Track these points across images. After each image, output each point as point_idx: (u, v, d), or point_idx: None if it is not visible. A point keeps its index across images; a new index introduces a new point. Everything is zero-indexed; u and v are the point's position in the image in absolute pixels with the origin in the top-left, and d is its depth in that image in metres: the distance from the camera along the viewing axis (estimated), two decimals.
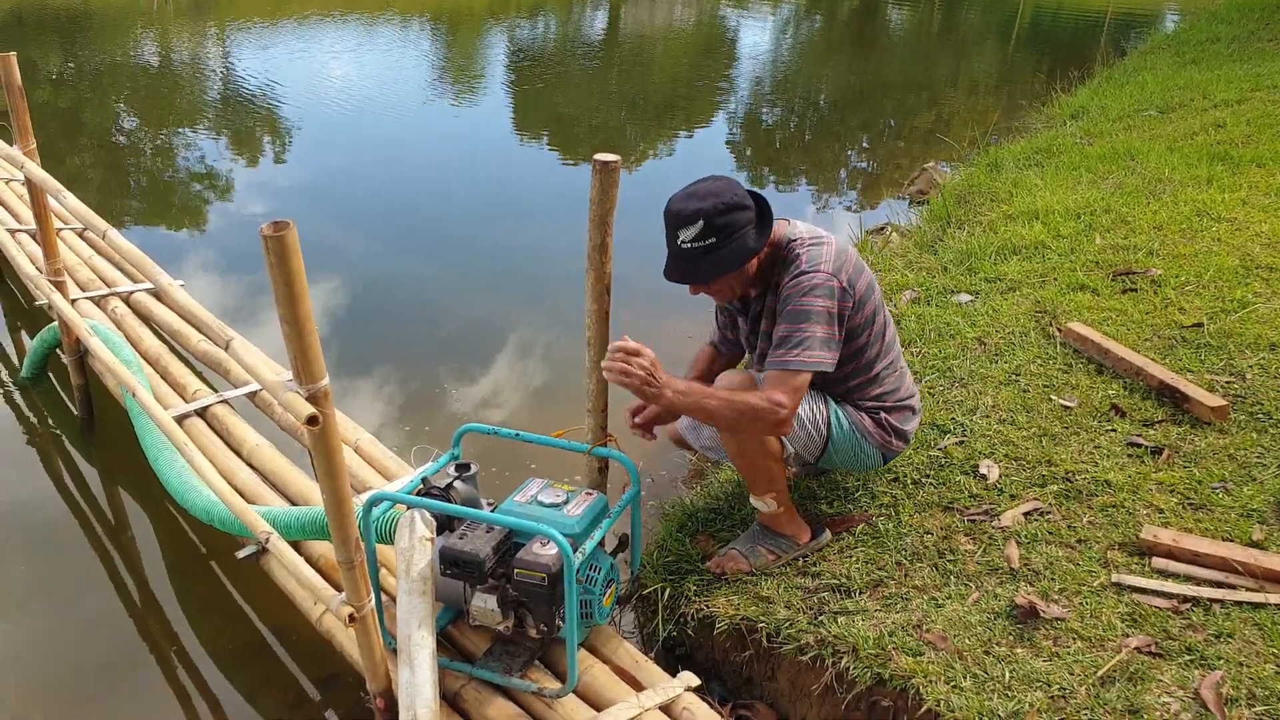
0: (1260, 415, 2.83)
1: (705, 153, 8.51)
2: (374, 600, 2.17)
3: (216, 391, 3.51)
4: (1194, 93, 6.59)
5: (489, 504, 2.46)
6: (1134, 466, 2.70)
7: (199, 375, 3.75)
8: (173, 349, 3.85)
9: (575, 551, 2.17)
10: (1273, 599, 2.16)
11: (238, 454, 3.17)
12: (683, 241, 2.20)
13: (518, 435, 2.55)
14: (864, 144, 9.08)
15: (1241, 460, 2.66)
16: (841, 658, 2.21)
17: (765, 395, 2.16)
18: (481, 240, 6.14)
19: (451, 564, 2.20)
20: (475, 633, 2.42)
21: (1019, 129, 7.27)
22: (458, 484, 2.37)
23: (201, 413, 3.36)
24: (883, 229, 5.40)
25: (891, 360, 2.47)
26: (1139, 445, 2.79)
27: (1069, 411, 3.00)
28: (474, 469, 2.45)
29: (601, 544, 2.40)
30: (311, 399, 1.73)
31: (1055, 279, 3.85)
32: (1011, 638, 2.17)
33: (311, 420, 1.67)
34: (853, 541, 2.60)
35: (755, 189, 2.31)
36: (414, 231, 6.35)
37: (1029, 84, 11.06)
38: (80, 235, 4.78)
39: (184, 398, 3.44)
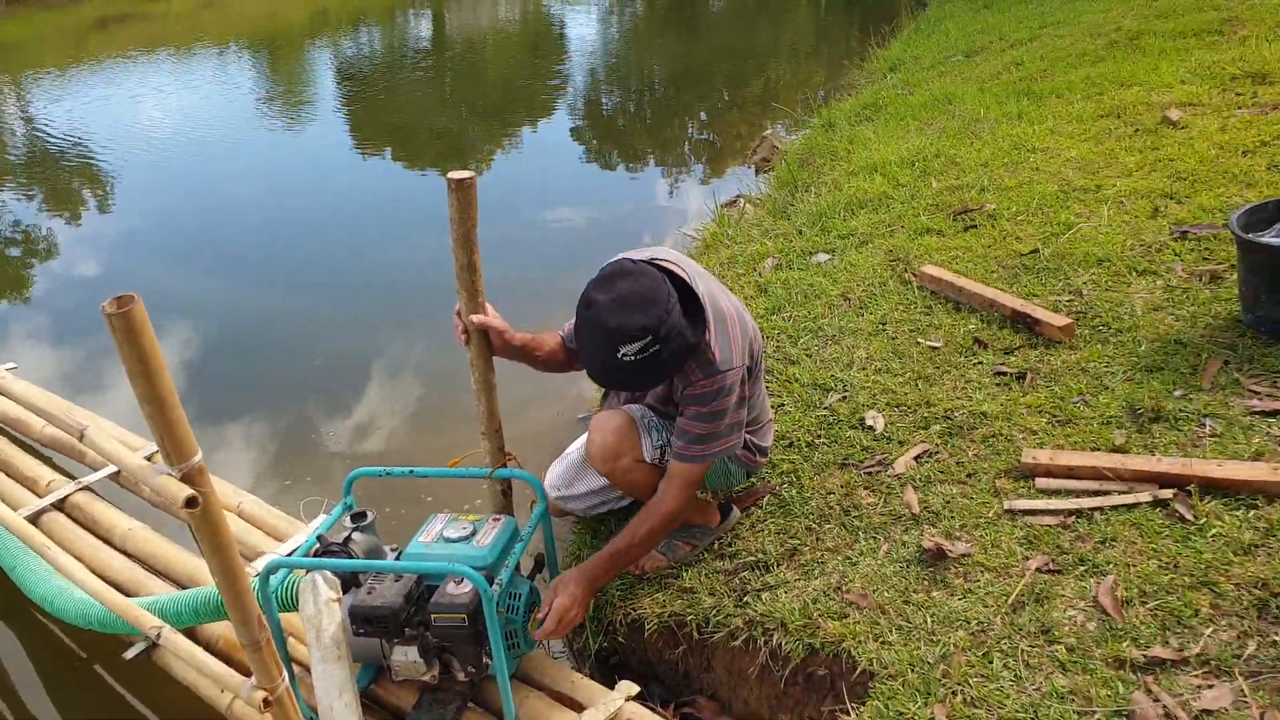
0: (1101, 327, 3.01)
1: (551, 143, 8.44)
2: (286, 675, 2.03)
3: (73, 478, 3.22)
4: (992, 35, 6.96)
5: (393, 550, 2.35)
6: (1004, 395, 2.82)
7: (49, 463, 3.43)
8: (15, 440, 3.51)
9: (492, 584, 2.09)
10: (1142, 498, 2.29)
11: (109, 543, 2.92)
12: (624, 355, 2.02)
13: (411, 472, 2.44)
14: (702, 118, 9.18)
15: (1093, 372, 2.82)
16: (772, 635, 2.23)
17: (675, 494, 2.22)
18: (338, 264, 5.89)
19: (364, 621, 2.09)
20: (400, 687, 2.31)
21: (845, 87, 7.51)
22: (356, 535, 2.25)
23: (60, 504, 3.08)
24: (735, 201, 5.47)
25: (761, 387, 2.48)
26: (1004, 373, 2.91)
27: (937, 351, 3.11)
28: (371, 516, 2.33)
29: (518, 569, 2.33)
30: (186, 478, 1.59)
31: (902, 226, 3.98)
32: (926, 582, 2.23)
33: (190, 502, 1.53)
34: (762, 515, 2.62)
35: (667, 269, 2.11)
36: (263, 266, 6.03)
37: (846, 43, 11.42)
38: None
39: (37, 492, 3.14)
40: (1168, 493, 2.29)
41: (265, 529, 2.95)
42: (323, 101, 10.65)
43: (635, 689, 2.24)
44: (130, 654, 2.52)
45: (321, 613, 2.10)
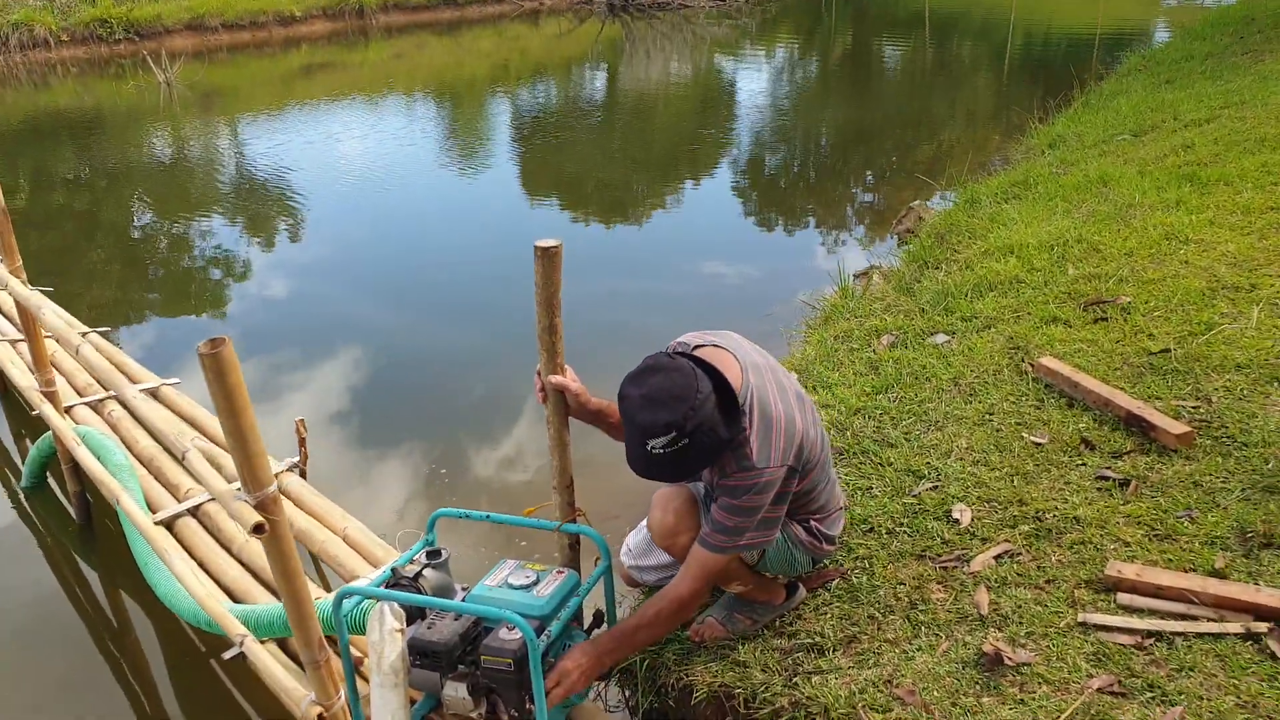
0: (1225, 439, 2.84)
1: (710, 200, 8.75)
2: (350, 694, 2.23)
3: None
4: (1166, 114, 6.65)
5: (464, 588, 2.51)
6: (1102, 500, 2.71)
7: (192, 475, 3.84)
8: (168, 449, 3.97)
9: (541, 634, 2.21)
10: (1230, 628, 2.16)
11: (228, 551, 3.25)
12: (653, 449, 2.10)
13: (488, 517, 2.61)
14: (852, 186, 9.19)
15: (1207, 486, 2.67)
16: (814, 718, 2.23)
17: (691, 580, 2.27)
18: (494, 307, 6.25)
19: (420, 654, 2.25)
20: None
21: (1001, 162, 7.34)
22: (428, 572, 2.42)
23: (194, 511, 3.45)
24: (867, 272, 5.46)
25: (828, 479, 2.49)
26: (1107, 478, 2.80)
27: (1040, 448, 3.02)
28: (445, 555, 2.50)
29: (578, 622, 2.45)
30: (259, 506, 1.81)
31: (1029, 313, 3.88)
32: (978, 687, 2.18)
33: (258, 529, 1.75)
34: (828, 597, 2.62)
35: (708, 364, 2.16)
36: (425, 303, 6.49)
37: (1016, 115, 11.16)
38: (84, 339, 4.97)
39: (177, 497, 3.54)
40: (1262, 626, 2.15)
41: (364, 554, 3.19)
42: (498, 149, 11.35)
43: None
44: (227, 655, 2.79)
45: (385, 641, 2.28)
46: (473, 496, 4.10)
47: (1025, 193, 5.53)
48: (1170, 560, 2.42)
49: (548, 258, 2.24)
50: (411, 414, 4.90)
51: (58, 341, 4.77)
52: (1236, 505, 2.56)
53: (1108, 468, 2.85)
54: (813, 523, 2.48)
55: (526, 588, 2.36)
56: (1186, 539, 2.49)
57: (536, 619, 2.25)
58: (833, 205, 8.60)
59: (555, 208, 8.88)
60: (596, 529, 2.51)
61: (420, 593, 2.36)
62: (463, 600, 2.43)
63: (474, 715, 2.29)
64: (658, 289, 6.30)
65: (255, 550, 3.21)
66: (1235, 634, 2.16)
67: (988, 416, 3.25)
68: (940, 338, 3.92)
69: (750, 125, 12.12)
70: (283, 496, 3.51)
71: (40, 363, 3.58)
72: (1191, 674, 2.08)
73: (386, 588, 2.36)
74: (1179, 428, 2.87)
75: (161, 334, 6.28)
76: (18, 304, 3.45)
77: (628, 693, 2.71)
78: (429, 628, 2.28)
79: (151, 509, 3.42)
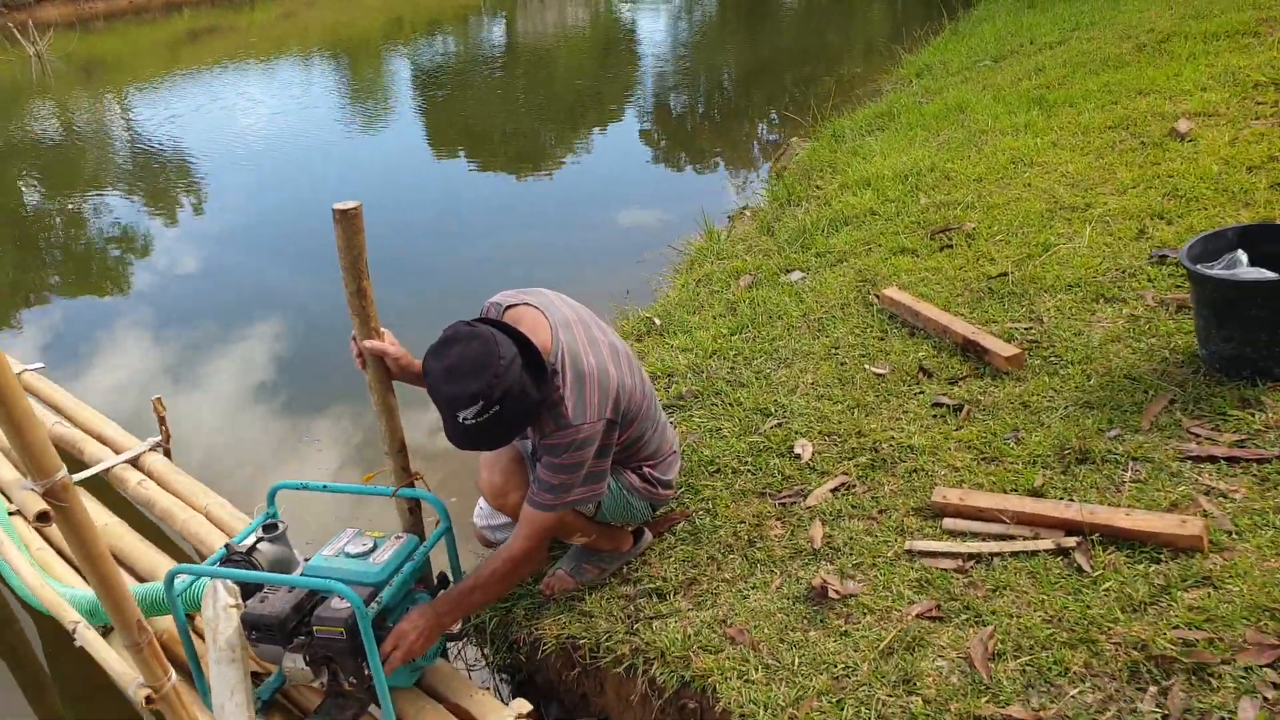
0: (1054, 358, 2.84)
1: (620, 145, 8.55)
2: (195, 671, 2.11)
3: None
4: (1024, 38, 6.63)
5: (304, 560, 2.38)
6: (937, 427, 2.69)
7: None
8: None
9: (371, 601, 2.10)
10: (1044, 545, 2.15)
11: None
12: (464, 420, 2.00)
13: (325, 487, 2.48)
14: (750, 123, 9.03)
15: (1034, 407, 2.66)
16: (651, 664, 2.17)
17: (523, 540, 2.18)
18: (407, 264, 6.00)
19: (254, 628, 2.13)
20: (312, 691, 2.34)
21: (872, 94, 7.25)
22: (262, 546, 2.30)
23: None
24: (742, 211, 5.36)
25: (656, 424, 2.42)
26: (942, 405, 2.78)
27: (881, 379, 2.98)
28: (282, 528, 2.37)
29: (424, 584, 2.35)
30: (48, 494, 1.65)
31: (880, 245, 3.84)
32: (806, 621, 2.15)
33: (42, 517, 1.59)
34: (673, 540, 2.56)
35: (510, 328, 2.05)
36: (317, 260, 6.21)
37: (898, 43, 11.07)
38: None
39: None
40: (1072, 541, 2.15)
41: (226, 530, 3.03)
42: (400, 103, 10.87)
43: (528, 707, 2.22)
44: (78, 642, 2.62)
45: (219, 617, 2.15)
46: (351, 465, 3.94)
47: (889, 124, 5.47)
48: (995, 482, 2.41)
49: (347, 220, 2.07)
50: (299, 382, 4.69)
51: None
52: (1059, 424, 2.55)
53: (943, 394, 2.83)
54: (645, 469, 2.41)
55: (363, 555, 2.25)
56: (1011, 460, 2.48)
57: (369, 586, 2.14)
58: (728, 146, 8.45)
59: (462, 161, 8.56)
60: (443, 490, 2.40)
61: (254, 568, 2.24)
62: (301, 572, 2.31)
63: (315, 684, 2.19)
64: (543, 240, 6.11)
65: (114, 534, 3.00)
66: (1046, 550, 2.15)
67: (834, 350, 3.20)
68: (795, 275, 3.86)
69: (649, 69, 11.84)
70: (147, 477, 3.34)
71: None
72: (1005, 593, 2.07)
73: (221, 565, 2.23)
74: (1009, 350, 2.86)
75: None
76: None
77: (486, 650, 2.63)
78: (261, 601, 2.17)
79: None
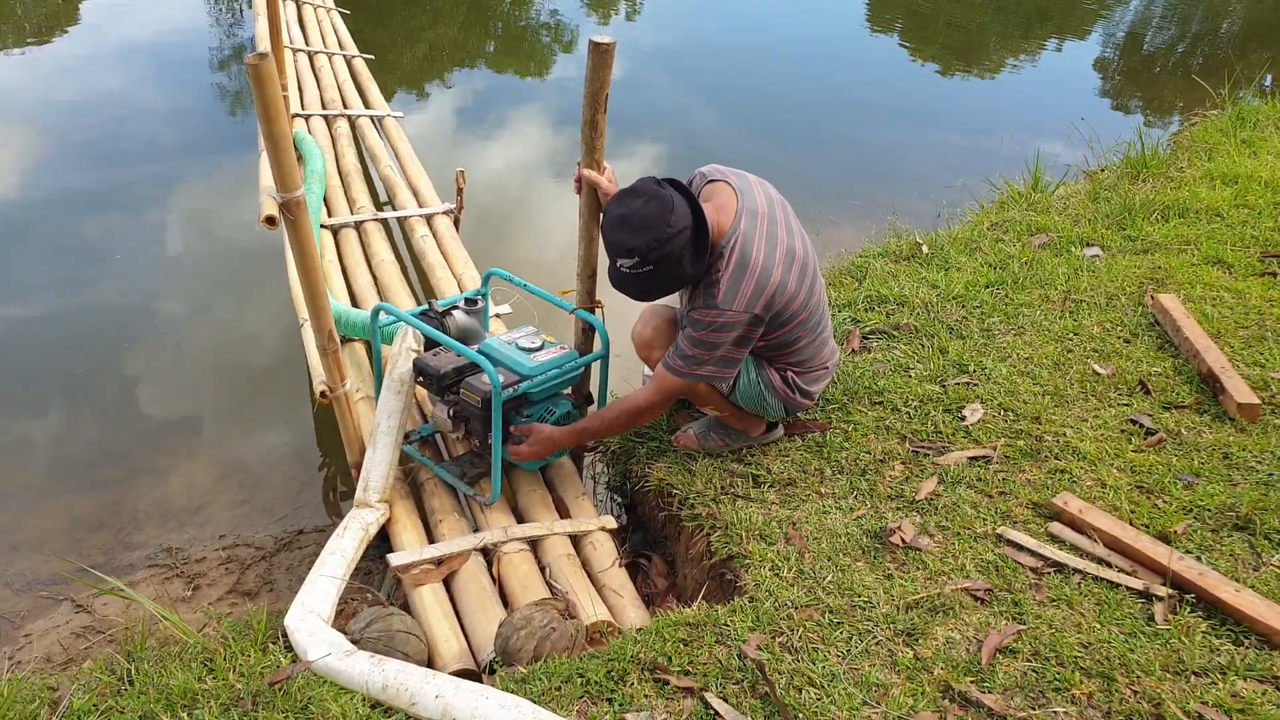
0: None
1: (1065, 68, 8.47)
2: (376, 384, 2.82)
3: (379, 210, 4.32)
4: None
5: (489, 335, 2.97)
6: (1116, 442, 2.65)
7: (374, 195, 4.58)
8: (366, 171, 4.73)
9: (512, 386, 2.63)
10: (1132, 583, 2.16)
11: (369, 264, 3.94)
12: (621, 266, 2.36)
13: (526, 285, 3.02)
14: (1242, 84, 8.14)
15: (1235, 461, 2.53)
16: (715, 531, 2.53)
17: (648, 394, 2.54)
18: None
19: (420, 373, 2.76)
20: (458, 443, 2.98)
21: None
22: (458, 314, 2.91)
23: (358, 226, 4.18)
24: (1093, 172, 5.04)
25: (816, 335, 2.61)
26: (1138, 423, 2.71)
27: (1098, 378, 2.93)
28: (480, 304, 2.97)
29: (571, 392, 2.86)
30: (284, 205, 2.30)
31: (1198, 248, 3.56)
32: (861, 552, 2.36)
33: (269, 220, 2.25)
34: (800, 445, 2.83)
35: (696, 201, 2.31)
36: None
37: None
38: (349, 61, 5.94)
39: (351, 211, 4.29)
40: (1163, 591, 2.14)
41: (462, 284, 3.75)
42: None
43: (613, 524, 2.71)
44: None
45: (400, 354, 2.82)
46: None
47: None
48: (1134, 513, 2.39)
49: (599, 53, 2.39)
50: None
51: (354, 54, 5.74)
52: (1247, 487, 2.42)
53: (1148, 414, 2.74)
54: (790, 374, 2.67)
55: (529, 350, 2.77)
56: (1168, 500, 2.42)
57: (518, 375, 2.67)
58: (1190, 103, 7.69)
59: (895, 38, 8.69)
60: (617, 325, 2.83)
61: (443, 330, 2.85)
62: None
63: (454, 435, 2.81)
64: (888, 132, 6.23)
65: (385, 269, 3.86)
66: (1132, 588, 2.16)
67: (1070, 335, 3.15)
68: (1092, 250, 3.71)
69: None
70: (430, 233, 4.14)
71: (279, 69, 4.36)
72: (1061, 606, 2.14)
73: (419, 318, 2.88)
74: (1248, 397, 2.68)
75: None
76: (270, 8, 4.16)
77: (610, 469, 3.12)
78: (434, 356, 2.78)
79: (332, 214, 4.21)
